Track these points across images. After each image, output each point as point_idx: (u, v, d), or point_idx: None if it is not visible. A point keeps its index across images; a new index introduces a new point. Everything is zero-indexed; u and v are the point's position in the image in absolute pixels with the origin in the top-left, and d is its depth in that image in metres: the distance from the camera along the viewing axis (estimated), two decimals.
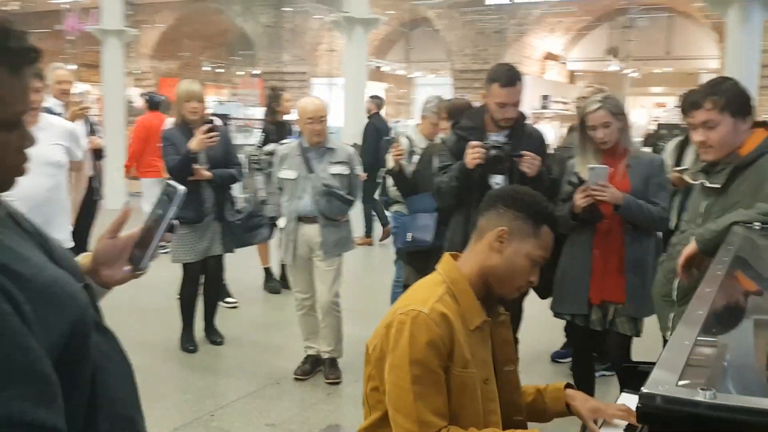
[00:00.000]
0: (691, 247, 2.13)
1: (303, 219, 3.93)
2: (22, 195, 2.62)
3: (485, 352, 1.72)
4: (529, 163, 3.06)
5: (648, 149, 5.35)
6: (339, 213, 3.95)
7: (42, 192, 3.03)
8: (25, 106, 0.96)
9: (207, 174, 4.31)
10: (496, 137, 3.20)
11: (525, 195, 1.76)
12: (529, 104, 14.81)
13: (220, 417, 3.55)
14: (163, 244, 1.22)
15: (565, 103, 13.79)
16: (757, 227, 1.97)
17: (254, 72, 17.32)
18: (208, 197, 4.38)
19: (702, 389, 0.72)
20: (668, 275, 2.48)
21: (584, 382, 3.35)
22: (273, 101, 6.07)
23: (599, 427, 1.71)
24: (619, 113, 3.08)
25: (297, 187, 3.92)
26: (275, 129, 5.92)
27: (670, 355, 0.86)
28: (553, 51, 16.38)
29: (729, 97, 2.19)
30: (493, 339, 1.78)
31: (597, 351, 3.52)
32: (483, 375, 1.68)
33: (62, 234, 3.20)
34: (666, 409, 0.72)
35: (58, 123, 3.48)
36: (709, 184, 2.29)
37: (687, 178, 2.49)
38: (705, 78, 12.80)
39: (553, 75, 16.69)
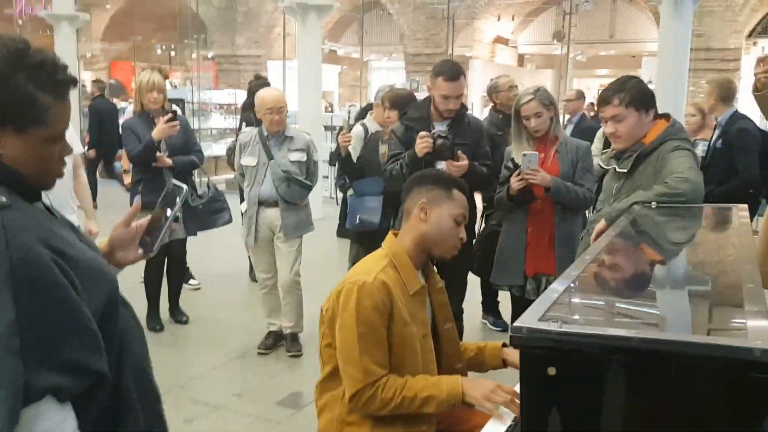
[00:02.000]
0: (601, 224, 2.49)
1: (264, 203, 4.19)
2: None
3: (424, 313, 2.06)
4: (457, 168, 3.34)
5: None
6: (298, 197, 4.22)
7: None
8: (67, 124, 1.24)
9: (168, 161, 4.52)
10: (440, 127, 3.51)
11: (429, 173, 2.24)
12: (480, 87, 15.20)
13: (190, 388, 3.83)
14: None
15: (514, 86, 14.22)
16: (653, 206, 2.34)
17: (208, 55, 17.25)
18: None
19: (553, 322, 1.05)
20: (587, 248, 2.85)
21: None
22: (257, 89, 6.19)
23: None
24: (549, 104, 3.44)
25: (258, 173, 4.18)
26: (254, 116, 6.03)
27: (541, 301, 1.20)
28: (502, 35, 16.78)
29: (633, 93, 2.55)
30: (432, 303, 2.12)
31: None
32: (422, 331, 2.02)
33: (73, 216, 3.73)
34: (528, 337, 1.05)
35: None
36: (618, 169, 2.65)
37: (601, 163, 2.85)
38: (647, 60, 13.36)
39: (504, 58, 17.10)
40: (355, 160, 4.44)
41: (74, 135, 4.07)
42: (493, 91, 4.94)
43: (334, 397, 2.00)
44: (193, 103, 12.30)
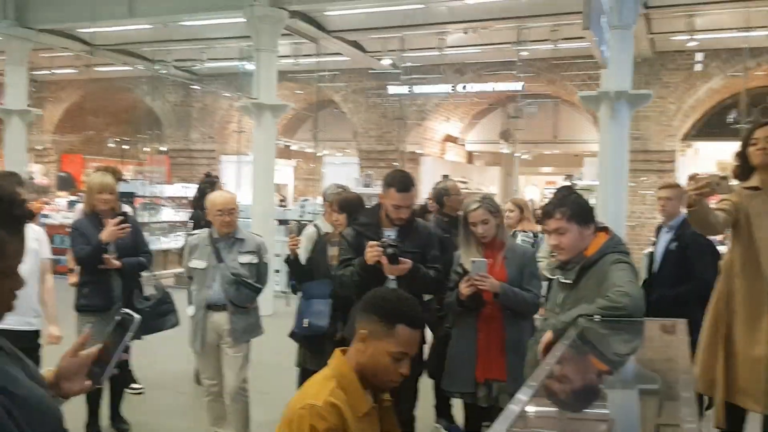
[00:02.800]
0: (548, 336, 2.53)
1: (212, 307, 4.11)
2: None
3: None
4: (396, 270, 3.41)
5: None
6: (247, 300, 4.17)
7: (25, 272, 3.44)
8: (21, 258, 1.22)
9: (116, 263, 4.43)
10: (389, 233, 3.57)
11: (379, 298, 2.04)
12: (431, 182, 15.59)
13: None
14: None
15: (464, 182, 14.61)
16: (597, 319, 2.40)
17: (161, 149, 17.32)
18: (116, 285, 4.48)
19: None
20: (535, 356, 2.87)
21: None
22: (210, 188, 6.23)
23: None
24: (495, 211, 3.55)
25: (206, 276, 4.13)
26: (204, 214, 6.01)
27: (499, 424, 1.22)
28: (452, 133, 17.38)
29: (574, 208, 2.66)
30: (381, 422, 2.08)
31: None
32: None
33: (34, 312, 3.83)
34: None
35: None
36: (563, 280, 2.72)
37: (546, 272, 2.93)
38: (588, 160, 13.97)
39: (453, 155, 17.66)
40: (304, 261, 4.43)
41: (44, 239, 4.07)
42: (443, 194, 5.06)
43: None
44: (144, 196, 12.21)
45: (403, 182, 3.54)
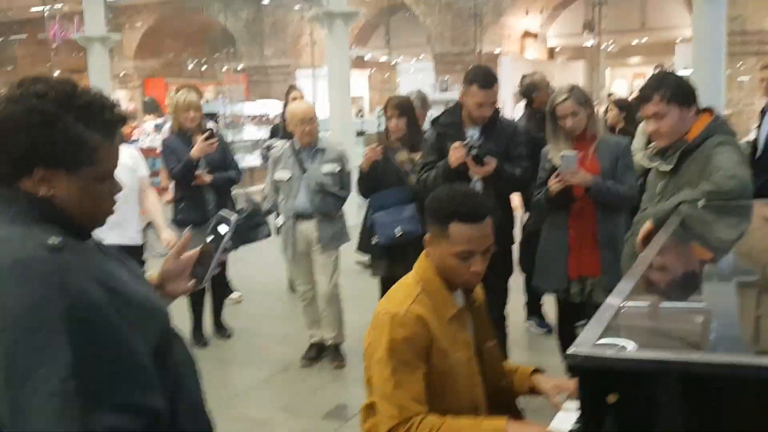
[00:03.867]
0: (647, 226, 2.42)
1: (300, 216, 4.19)
2: None
3: (465, 335, 1.99)
4: (481, 172, 3.32)
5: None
6: (333, 209, 4.21)
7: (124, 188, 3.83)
8: (116, 162, 1.25)
9: (208, 178, 4.58)
10: (472, 132, 3.47)
11: (430, 200, 1.97)
12: (511, 84, 15.05)
13: (236, 404, 3.84)
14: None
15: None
16: (700, 205, 2.26)
17: (238, 67, 17.45)
18: (210, 200, 4.64)
19: (612, 346, 1.00)
20: (633, 250, 2.77)
21: None
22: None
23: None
24: (585, 102, 3.35)
25: (292, 187, 4.18)
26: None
27: (597, 320, 1.15)
28: (531, 29, 16.58)
29: (673, 89, 2.47)
30: (474, 322, 2.06)
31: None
32: (465, 355, 1.96)
33: (134, 229, 4.01)
34: (585, 365, 0.99)
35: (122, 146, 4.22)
36: (662, 168, 2.57)
37: (644, 161, 2.77)
38: (680, 48, 13.07)
39: (533, 53, 16.91)
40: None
41: (140, 158, 4.19)
42: (531, 89, 4.81)
43: (377, 425, 1.96)
44: (225, 116, 12.43)
45: (485, 78, 3.39)
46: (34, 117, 1.14)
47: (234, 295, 5.79)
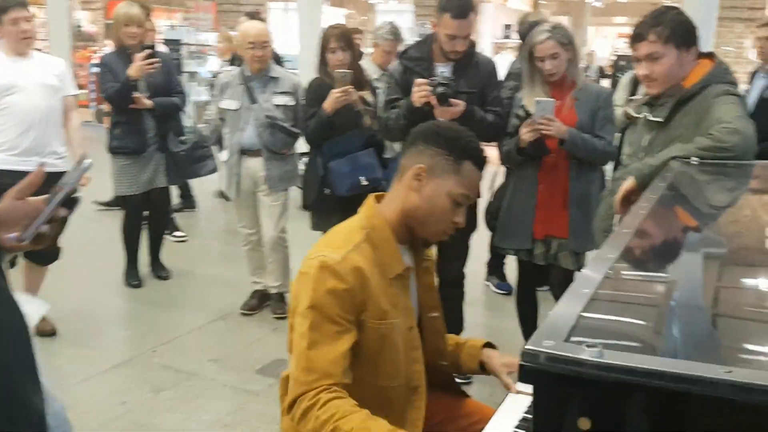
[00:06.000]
0: (629, 183, 2.08)
1: (246, 152, 3.78)
2: (22, 111, 3.41)
3: (407, 300, 1.65)
4: (447, 114, 2.92)
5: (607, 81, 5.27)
6: (284, 146, 3.80)
7: (40, 110, 3.45)
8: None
9: (148, 102, 4.14)
10: (443, 69, 3.07)
11: (446, 130, 1.65)
12: (491, 33, 14.52)
13: (162, 353, 3.50)
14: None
15: None
16: (694, 162, 1.93)
17: None
18: (150, 127, 4.22)
19: (588, 346, 0.65)
20: (609, 210, 2.44)
21: (528, 316, 3.38)
22: None
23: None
24: (567, 44, 2.98)
25: (239, 119, 3.76)
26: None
27: (566, 306, 0.79)
28: None
29: (673, 27, 2.10)
30: (417, 286, 1.72)
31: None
32: (406, 323, 1.62)
33: (55, 153, 3.54)
34: (548, 368, 0.65)
35: (50, 59, 3.76)
36: (651, 118, 2.23)
37: (630, 111, 2.42)
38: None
39: (517, 3, 16.32)
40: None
41: (67, 75, 3.67)
42: (533, 28, 4.36)
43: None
44: (190, 45, 11.74)
45: (460, 6, 2.96)
46: None
47: (177, 234, 5.39)
